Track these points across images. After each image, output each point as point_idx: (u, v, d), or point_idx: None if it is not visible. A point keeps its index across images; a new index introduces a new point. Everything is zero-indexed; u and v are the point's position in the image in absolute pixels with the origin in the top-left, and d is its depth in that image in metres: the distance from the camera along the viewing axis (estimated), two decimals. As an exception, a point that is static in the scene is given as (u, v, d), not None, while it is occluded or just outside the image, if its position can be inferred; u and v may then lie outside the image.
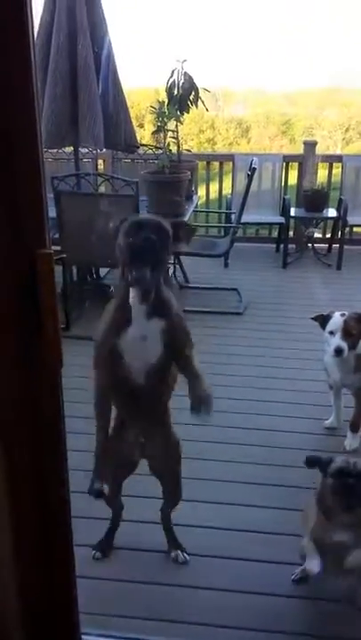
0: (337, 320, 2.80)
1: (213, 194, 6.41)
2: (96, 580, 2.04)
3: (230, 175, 6.16)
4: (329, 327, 2.81)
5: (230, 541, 2.30)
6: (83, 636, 1.69)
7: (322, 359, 3.00)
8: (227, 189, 6.24)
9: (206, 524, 2.35)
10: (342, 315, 2.82)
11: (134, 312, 1.86)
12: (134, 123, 4.86)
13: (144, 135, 7.48)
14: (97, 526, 2.22)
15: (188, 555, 2.18)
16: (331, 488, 1.85)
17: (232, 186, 6.09)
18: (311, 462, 1.94)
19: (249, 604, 2.03)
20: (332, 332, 2.79)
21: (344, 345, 2.74)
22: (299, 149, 6.31)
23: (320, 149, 6.25)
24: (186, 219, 4.41)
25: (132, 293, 1.85)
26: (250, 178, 4.72)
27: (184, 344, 1.94)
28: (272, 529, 2.34)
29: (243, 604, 2.03)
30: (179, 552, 2.18)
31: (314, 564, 1.81)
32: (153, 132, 4.53)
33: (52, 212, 4.05)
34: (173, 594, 2.07)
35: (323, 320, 2.86)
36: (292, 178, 6.28)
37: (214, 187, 6.39)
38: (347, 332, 2.76)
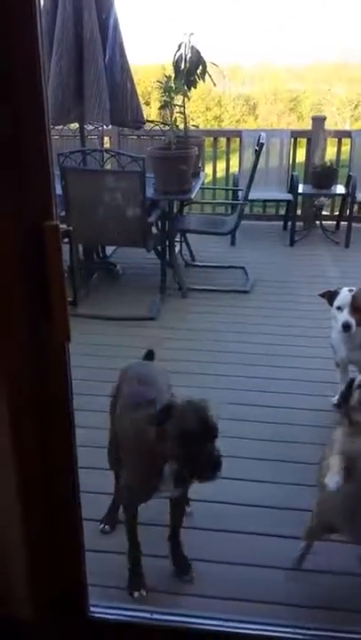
0: (345, 296, 2.78)
1: (220, 172, 6.35)
2: (104, 554, 2.06)
3: (237, 153, 6.09)
4: (337, 303, 2.79)
5: (237, 516, 2.32)
6: (91, 608, 1.72)
7: (329, 336, 2.99)
8: (234, 167, 6.17)
9: (212, 499, 2.36)
10: (350, 290, 2.80)
11: (165, 480, 1.82)
12: (141, 100, 4.80)
13: (150, 113, 7.40)
14: (105, 501, 2.24)
15: (195, 529, 2.19)
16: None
17: (239, 163, 6.02)
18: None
19: (254, 576, 2.05)
20: (339, 308, 2.77)
21: (352, 320, 2.72)
22: (307, 126, 6.23)
23: (328, 126, 6.15)
24: (193, 196, 4.38)
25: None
26: (257, 154, 4.66)
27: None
28: (280, 504, 2.35)
29: (247, 577, 2.05)
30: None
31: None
32: (160, 108, 4.46)
33: (58, 190, 4.02)
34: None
35: (330, 296, 2.84)
36: (301, 155, 6.20)
37: (221, 165, 6.32)
38: (355, 308, 2.74)
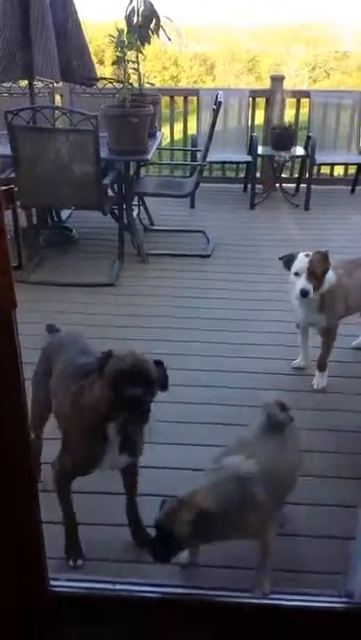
0: (302, 261, 2.72)
1: (178, 134, 6.16)
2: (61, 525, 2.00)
3: (195, 114, 5.91)
4: (294, 268, 2.73)
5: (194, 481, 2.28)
6: (51, 581, 1.67)
7: (289, 300, 2.96)
8: (191, 130, 6.00)
9: (169, 465, 2.32)
10: (307, 255, 2.74)
11: (109, 444, 1.78)
12: (94, 59, 4.57)
13: (105, 72, 7.09)
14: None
15: (150, 495, 2.14)
16: None
17: (197, 124, 5.86)
18: None
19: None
20: (297, 274, 2.72)
21: (309, 287, 2.68)
22: (266, 87, 6.08)
23: (287, 87, 6.03)
24: (149, 157, 4.23)
25: (111, 424, 1.73)
26: (215, 113, 4.52)
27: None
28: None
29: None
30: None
31: None
32: (112, 63, 4.26)
33: (6, 150, 3.82)
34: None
35: (287, 261, 2.78)
36: (260, 117, 6.07)
37: (179, 126, 6.12)
38: (312, 273, 2.69)
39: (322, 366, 2.92)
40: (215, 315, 3.61)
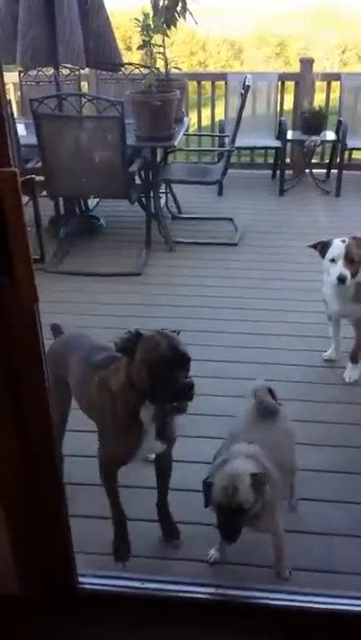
0: (338, 246, 2.64)
1: (206, 120, 6.06)
2: (91, 519, 1.98)
3: (223, 99, 5.80)
4: (330, 254, 2.65)
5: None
6: (80, 578, 1.65)
7: (320, 290, 2.87)
8: (219, 115, 5.89)
9: (202, 459, 2.27)
10: (343, 241, 2.65)
11: (145, 430, 1.72)
12: (121, 46, 4.50)
13: (132, 58, 7.01)
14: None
15: (177, 490, 2.08)
16: None
17: (225, 109, 5.75)
18: None
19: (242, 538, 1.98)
20: (333, 260, 2.63)
21: (347, 273, 2.59)
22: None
23: (317, 70, 5.85)
24: (176, 143, 4.16)
25: (145, 410, 1.67)
26: (243, 97, 4.42)
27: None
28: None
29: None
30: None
31: None
32: (138, 48, 4.17)
33: (32, 139, 3.79)
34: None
35: (322, 247, 2.70)
36: (289, 102, 5.93)
37: (206, 112, 6.03)
38: (349, 259, 2.60)
39: (355, 358, 2.84)
40: (243, 304, 3.54)
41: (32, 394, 1.33)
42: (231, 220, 4.68)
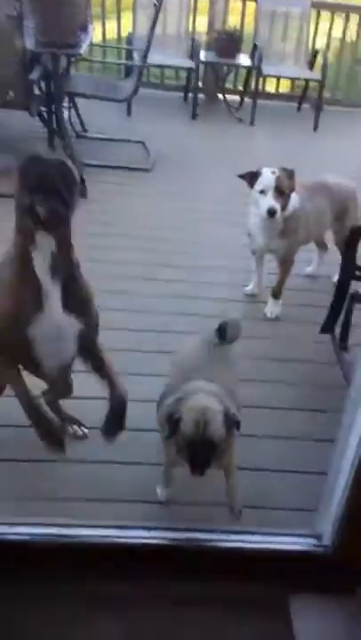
0: (268, 177, 2.51)
1: (111, 33, 5.53)
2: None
3: (130, 12, 5.30)
4: (259, 185, 2.52)
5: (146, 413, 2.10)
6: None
7: (245, 223, 2.74)
8: (126, 30, 5.39)
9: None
10: (273, 172, 2.53)
11: (45, 292, 1.48)
12: None
13: None
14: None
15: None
16: None
17: (133, 23, 5.25)
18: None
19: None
20: (262, 191, 2.51)
21: (277, 205, 2.48)
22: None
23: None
24: (82, 51, 3.74)
25: (37, 260, 1.44)
26: (157, 8, 4.02)
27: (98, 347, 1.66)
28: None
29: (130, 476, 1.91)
30: (76, 427, 1.99)
31: None
32: None
33: None
34: (61, 470, 1.88)
35: (251, 177, 2.56)
36: (202, 26, 5.56)
37: (111, 25, 5.49)
38: (279, 191, 2.50)
39: (277, 294, 2.79)
40: (156, 234, 3.35)
41: None
42: (143, 143, 4.39)
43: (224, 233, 3.32)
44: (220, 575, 1.51)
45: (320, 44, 5.61)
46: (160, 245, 3.26)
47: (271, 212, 2.48)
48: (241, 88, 5.55)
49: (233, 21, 5.55)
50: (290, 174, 2.54)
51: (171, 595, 1.44)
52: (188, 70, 5.29)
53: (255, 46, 5.22)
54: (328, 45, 5.62)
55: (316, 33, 5.58)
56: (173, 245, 3.27)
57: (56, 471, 1.86)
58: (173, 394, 1.62)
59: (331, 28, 5.61)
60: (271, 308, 2.80)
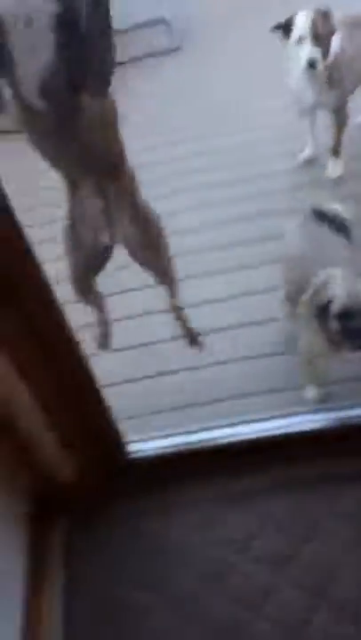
0: (303, 20, 2.24)
1: None
2: (121, 386, 1.89)
3: None
4: (295, 34, 2.26)
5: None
6: (127, 446, 1.58)
7: (285, 82, 2.51)
8: None
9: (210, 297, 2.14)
10: (306, 15, 2.25)
11: None
12: None
13: None
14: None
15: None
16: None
17: None
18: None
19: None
20: (300, 40, 2.27)
21: (317, 54, 2.25)
22: None
23: None
24: None
25: None
26: None
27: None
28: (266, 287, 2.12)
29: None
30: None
31: None
32: None
33: None
34: (196, 377, 1.94)
35: (287, 25, 2.29)
36: None
37: None
38: (317, 36, 2.24)
39: (337, 151, 2.60)
40: (200, 116, 3.18)
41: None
42: (163, 19, 4.01)
43: (268, 96, 3.07)
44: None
45: None
46: (202, 128, 3.11)
47: (312, 63, 2.26)
48: None
49: None
50: (325, 15, 2.26)
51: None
52: None
53: None
54: None
55: None
56: (216, 125, 3.11)
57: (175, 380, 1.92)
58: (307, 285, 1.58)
59: None
60: (332, 167, 2.63)
